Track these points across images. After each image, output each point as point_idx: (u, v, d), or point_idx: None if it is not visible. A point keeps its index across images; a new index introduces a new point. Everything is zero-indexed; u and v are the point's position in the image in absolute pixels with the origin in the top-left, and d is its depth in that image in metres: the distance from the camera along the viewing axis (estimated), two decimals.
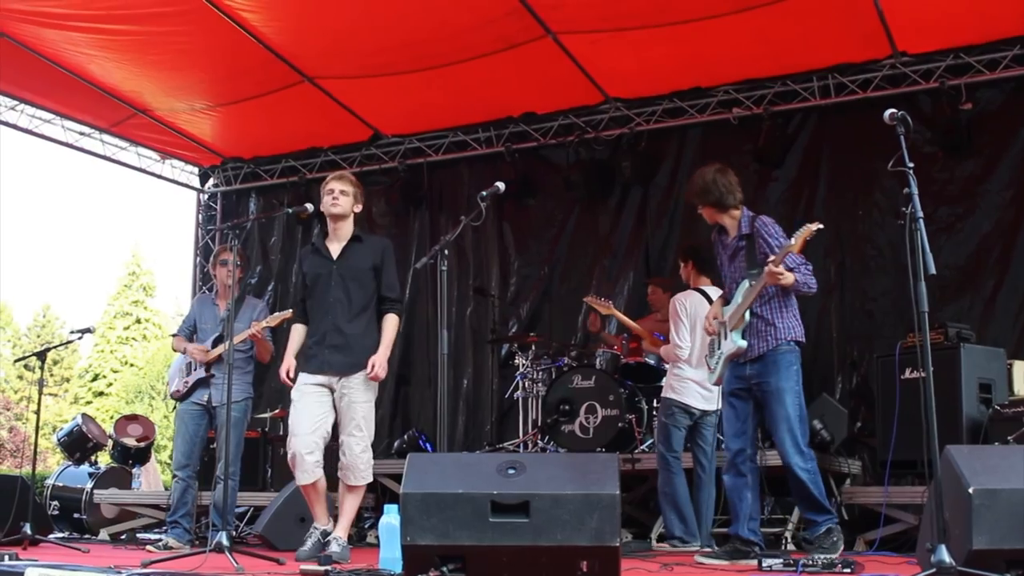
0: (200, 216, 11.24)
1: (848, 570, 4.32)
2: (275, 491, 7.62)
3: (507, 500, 3.60)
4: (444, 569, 3.58)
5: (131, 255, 36.50)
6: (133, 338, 34.69)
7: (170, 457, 6.95)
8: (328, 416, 5.39)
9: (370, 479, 5.46)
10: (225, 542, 4.81)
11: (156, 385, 30.80)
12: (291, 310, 6.03)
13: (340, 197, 5.51)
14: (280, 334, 6.83)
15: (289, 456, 5.40)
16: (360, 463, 5.33)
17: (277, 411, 8.91)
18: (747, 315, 5.10)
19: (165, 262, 54.26)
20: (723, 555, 5.12)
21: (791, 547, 6.37)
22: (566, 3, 7.39)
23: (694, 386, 6.23)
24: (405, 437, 8.65)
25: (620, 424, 7.19)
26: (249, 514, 8.11)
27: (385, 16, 7.57)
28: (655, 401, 7.08)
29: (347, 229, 5.58)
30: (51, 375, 32.56)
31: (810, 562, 4.39)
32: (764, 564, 4.58)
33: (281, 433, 8.85)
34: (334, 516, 5.53)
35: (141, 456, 9.14)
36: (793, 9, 7.23)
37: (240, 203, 11.05)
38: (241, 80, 8.69)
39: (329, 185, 5.55)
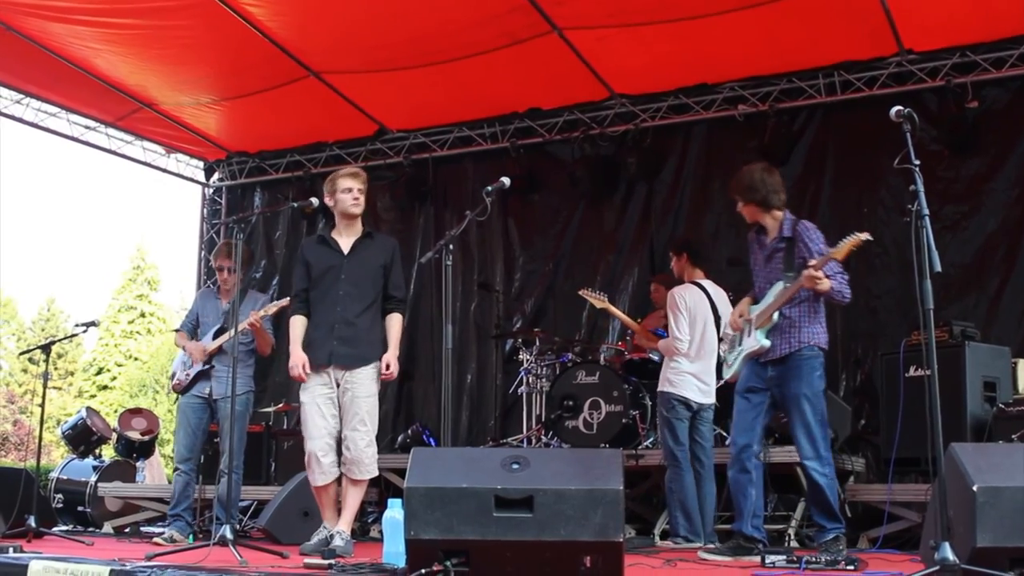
0: (205, 210, 11.25)
1: (851, 567, 4.32)
2: (279, 485, 7.62)
3: (511, 495, 3.59)
4: (448, 563, 3.59)
5: (136, 249, 36.47)
6: (137, 332, 34.68)
7: (174, 451, 6.94)
8: (338, 415, 5.39)
9: (375, 473, 5.46)
10: (229, 535, 4.82)
11: (160, 379, 30.80)
12: (288, 299, 6.04)
13: (359, 196, 5.51)
14: (281, 330, 6.83)
15: (306, 458, 5.40)
16: (365, 457, 5.33)
17: (281, 405, 8.91)
18: (776, 316, 5.10)
19: (170, 256, 54.17)
20: (727, 551, 5.12)
21: (794, 544, 6.38)
22: None
23: (692, 379, 6.22)
24: (409, 432, 8.66)
25: (624, 420, 7.20)
26: (253, 508, 8.12)
27: (391, 11, 7.57)
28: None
29: (357, 225, 5.58)
30: (55, 368, 32.58)
31: (813, 559, 4.39)
32: (767, 561, 4.59)
33: (285, 427, 8.87)
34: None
35: (145, 450, 9.17)
36: (799, 6, 7.21)
37: (245, 197, 11.06)
38: (246, 74, 8.69)
39: (347, 183, 5.48)
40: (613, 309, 7.24)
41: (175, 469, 6.69)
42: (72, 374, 34.96)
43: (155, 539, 6.39)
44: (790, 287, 5.05)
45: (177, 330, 7.04)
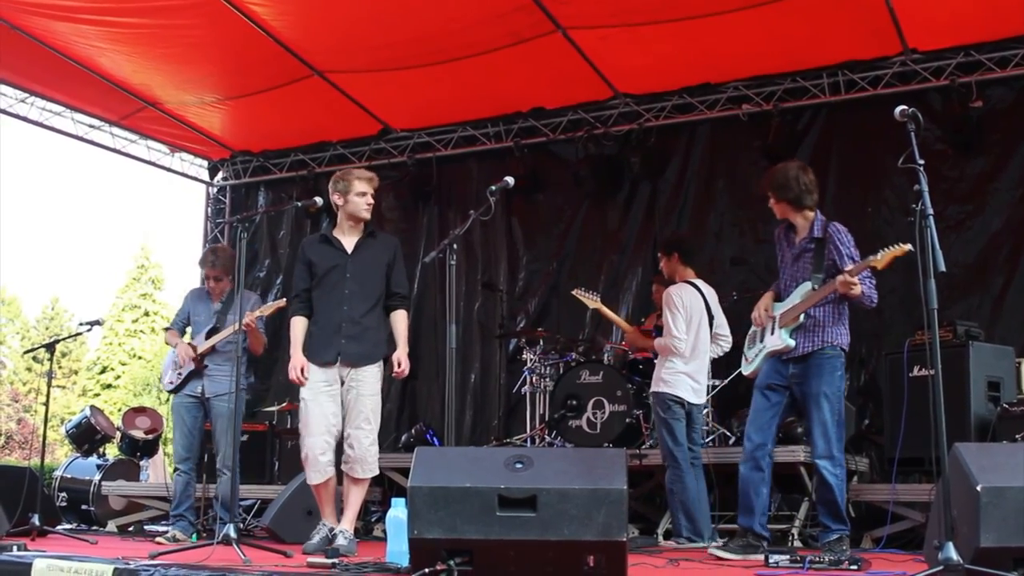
0: (209, 209, 11.25)
1: (855, 567, 4.32)
2: (282, 484, 7.63)
3: (514, 494, 3.60)
4: (451, 563, 3.59)
5: (140, 248, 36.53)
6: (141, 331, 34.72)
7: (172, 451, 6.94)
8: (340, 413, 5.38)
9: (377, 472, 5.45)
10: (233, 534, 4.82)
11: None
12: (284, 300, 6.05)
13: (372, 201, 5.52)
14: (279, 328, 6.84)
15: (303, 456, 5.40)
16: (369, 456, 5.34)
17: (285, 404, 8.92)
18: (802, 316, 5.09)
19: (174, 255, 54.15)
20: (737, 549, 5.09)
21: (797, 544, 6.37)
22: None
23: (686, 379, 6.21)
24: (412, 431, 8.67)
25: (627, 420, 7.19)
26: (256, 507, 8.13)
27: (395, 10, 7.57)
28: None
29: (361, 224, 5.58)
30: (59, 367, 32.67)
31: (817, 559, 4.39)
32: (771, 560, 4.58)
33: (289, 426, 8.88)
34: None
35: (149, 448, 9.18)
36: (803, 5, 7.21)
37: (249, 196, 11.07)
38: (251, 74, 8.70)
39: (363, 187, 5.46)
40: (605, 310, 7.21)
41: (175, 470, 6.71)
42: (76, 373, 35.00)
43: (158, 539, 6.40)
44: (820, 289, 5.04)
45: (168, 328, 7.05)
